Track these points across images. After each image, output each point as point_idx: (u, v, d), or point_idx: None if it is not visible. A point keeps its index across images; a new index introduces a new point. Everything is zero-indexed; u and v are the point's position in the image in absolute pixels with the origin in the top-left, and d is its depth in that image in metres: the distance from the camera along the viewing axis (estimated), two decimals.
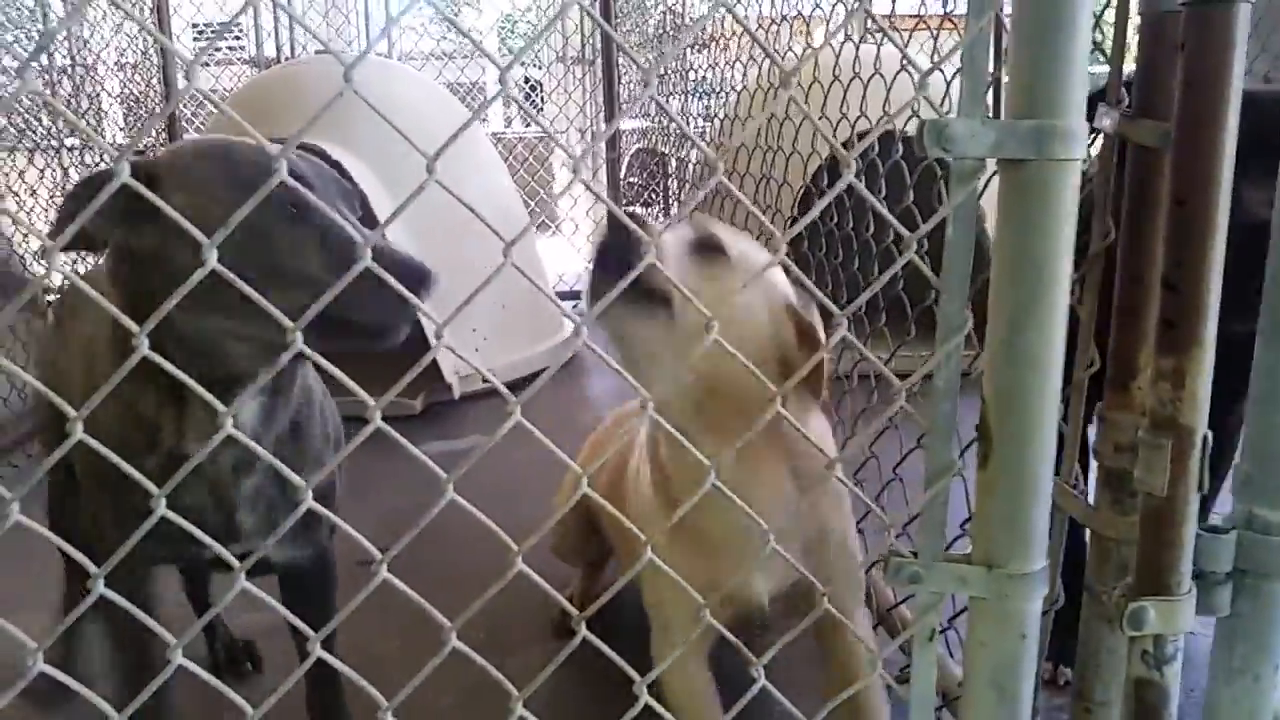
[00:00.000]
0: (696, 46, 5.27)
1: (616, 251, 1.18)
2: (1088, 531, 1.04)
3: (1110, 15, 1.00)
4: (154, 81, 6.01)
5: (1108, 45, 1.01)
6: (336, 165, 2.55)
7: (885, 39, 2.28)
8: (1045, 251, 0.79)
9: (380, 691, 0.79)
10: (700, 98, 5.08)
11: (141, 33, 5.72)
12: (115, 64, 6.04)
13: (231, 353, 1.11)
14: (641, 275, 0.87)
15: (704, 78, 4.97)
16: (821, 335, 1.24)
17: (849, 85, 2.28)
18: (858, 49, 2.31)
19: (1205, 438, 0.86)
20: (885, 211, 0.87)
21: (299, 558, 1.35)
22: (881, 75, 2.06)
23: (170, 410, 1.15)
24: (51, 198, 4.69)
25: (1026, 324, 0.80)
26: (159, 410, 1.15)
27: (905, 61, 1.03)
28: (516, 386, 3.33)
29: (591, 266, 1.22)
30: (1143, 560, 0.90)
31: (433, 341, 0.74)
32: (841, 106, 2.32)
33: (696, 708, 1.42)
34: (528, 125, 8.87)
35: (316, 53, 4.08)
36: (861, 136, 2.70)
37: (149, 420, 1.16)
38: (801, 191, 3.17)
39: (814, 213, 0.86)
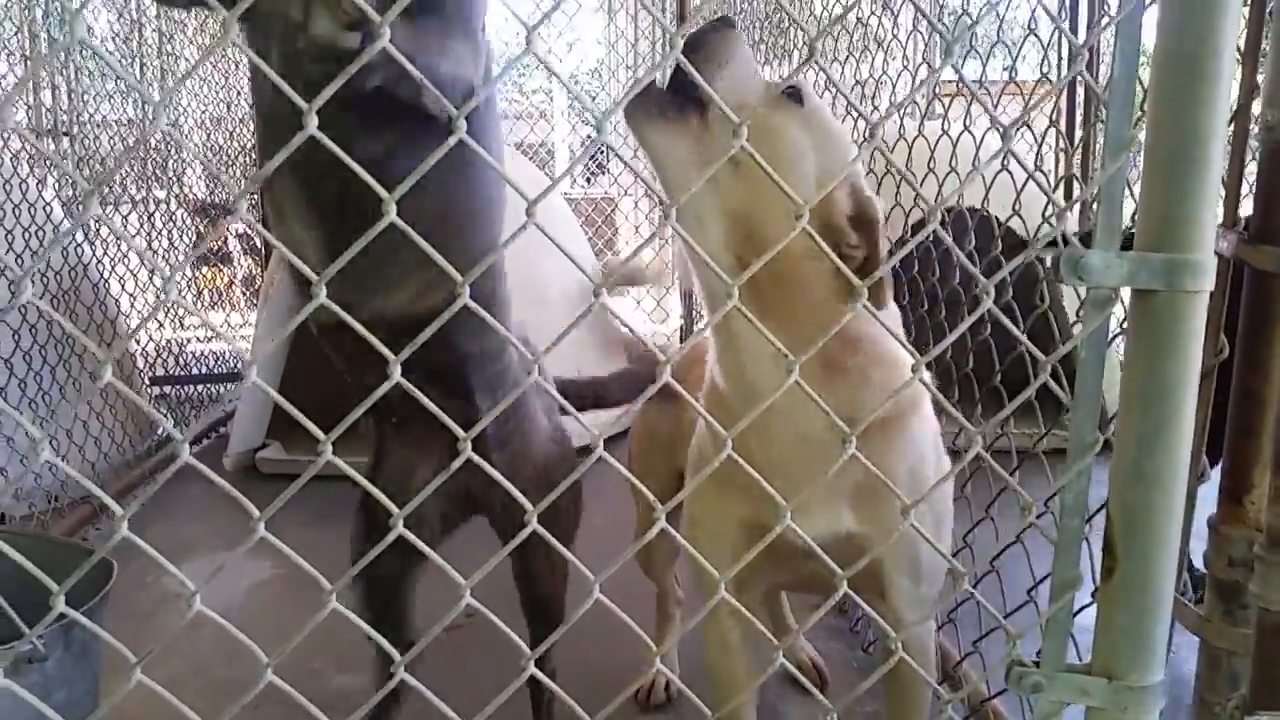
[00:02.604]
0: None
1: (702, 44, 1.14)
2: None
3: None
4: (236, 134, 6.22)
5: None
6: None
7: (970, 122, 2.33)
8: (1174, 377, 0.82)
9: None
10: None
11: (226, 87, 5.94)
12: (200, 119, 6.25)
13: None
14: (686, 80, 0.93)
15: None
16: (880, 221, 1.16)
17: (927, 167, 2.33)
18: (945, 131, 2.35)
19: None
20: (1003, 316, 0.91)
21: None
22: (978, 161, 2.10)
23: None
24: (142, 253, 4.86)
25: (1155, 446, 0.83)
26: None
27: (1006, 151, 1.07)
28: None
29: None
30: (1258, 673, 0.92)
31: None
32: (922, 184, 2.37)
33: (726, 664, 1.35)
34: (590, 183, 9.02)
35: None
36: (951, 213, 2.72)
37: None
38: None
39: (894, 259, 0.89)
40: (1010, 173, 1.69)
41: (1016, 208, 1.82)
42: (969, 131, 2.17)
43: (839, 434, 0.88)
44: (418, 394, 0.76)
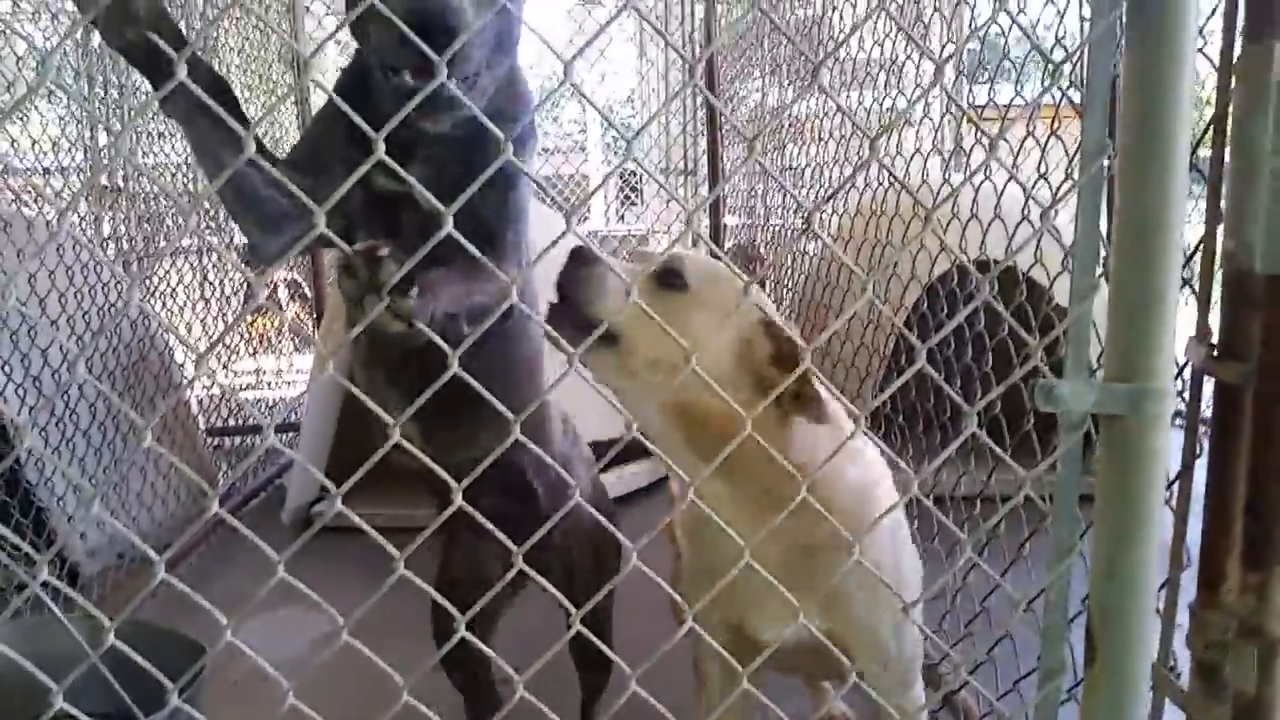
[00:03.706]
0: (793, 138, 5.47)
1: (573, 285, 1.28)
2: None
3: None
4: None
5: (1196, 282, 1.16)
6: None
7: (998, 173, 2.43)
8: (1141, 491, 0.93)
9: None
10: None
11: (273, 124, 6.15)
12: None
13: None
14: (591, 308, 1.08)
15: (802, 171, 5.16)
16: (801, 346, 1.26)
17: (957, 221, 2.43)
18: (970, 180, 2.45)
19: None
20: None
21: None
22: (999, 215, 2.20)
23: None
24: (193, 303, 5.05)
25: (1125, 551, 0.94)
26: None
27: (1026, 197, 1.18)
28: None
29: (552, 299, 1.30)
30: None
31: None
32: (960, 240, 2.46)
33: None
34: (623, 220, 9.17)
35: None
36: (962, 269, 2.84)
37: None
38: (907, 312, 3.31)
39: (957, 320, 1.00)
40: (1031, 223, 1.79)
41: (1038, 256, 1.92)
42: (991, 181, 2.27)
43: (797, 554, 1.01)
44: (478, 515, 0.89)
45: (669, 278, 1.31)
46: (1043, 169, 2.02)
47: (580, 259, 1.27)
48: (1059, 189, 1.53)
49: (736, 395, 1.08)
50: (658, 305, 1.21)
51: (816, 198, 4.70)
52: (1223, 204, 1.10)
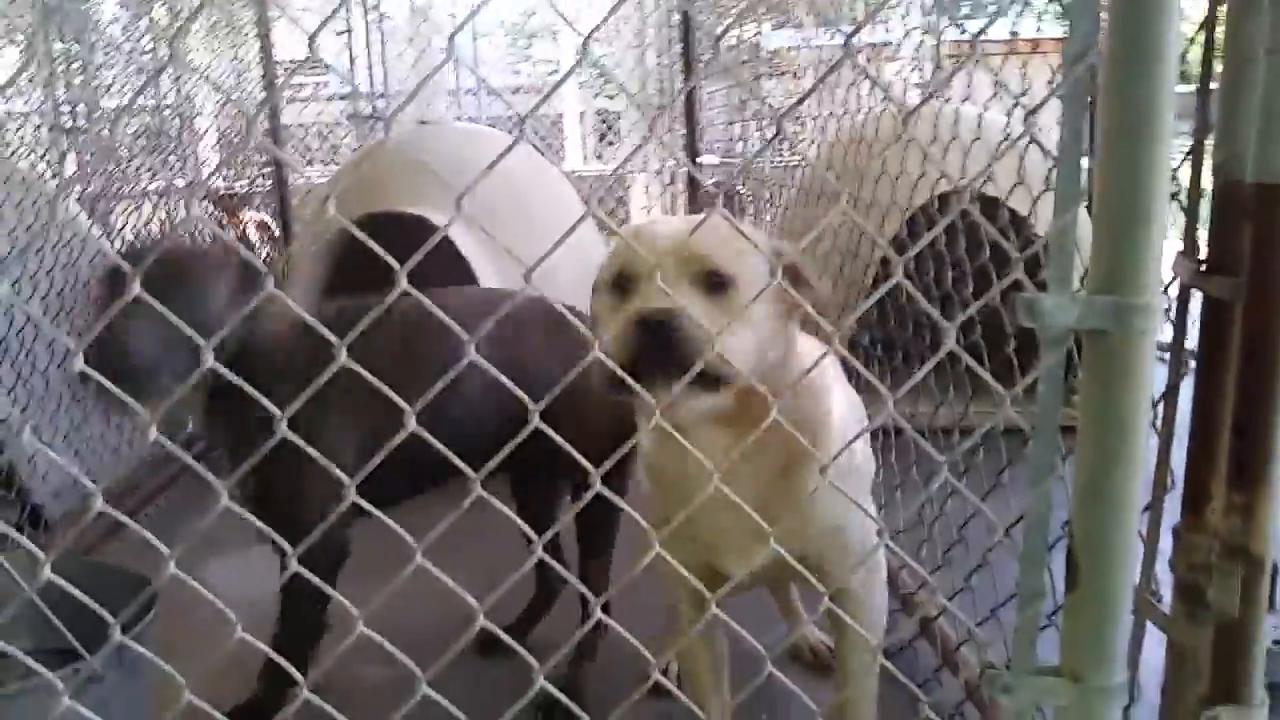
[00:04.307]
0: (770, 75, 5.38)
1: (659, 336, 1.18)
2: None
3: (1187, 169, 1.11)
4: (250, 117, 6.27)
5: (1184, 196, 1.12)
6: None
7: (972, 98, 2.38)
8: (1126, 409, 0.90)
9: None
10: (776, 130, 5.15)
11: (236, 69, 5.99)
12: (216, 105, 6.30)
13: None
14: (689, 361, 1.06)
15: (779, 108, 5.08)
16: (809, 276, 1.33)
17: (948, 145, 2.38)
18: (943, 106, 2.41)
19: (1275, 564, 0.96)
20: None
21: None
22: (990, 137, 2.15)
23: None
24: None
25: (1110, 471, 0.91)
26: None
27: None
28: None
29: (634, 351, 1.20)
30: (1216, 671, 1.00)
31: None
32: (940, 165, 2.41)
33: (696, 671, 1.53)
34: (601, 158, 9.06)
35: (420, 123, 4.28)
36: (943, 197, 2.80)
37: None
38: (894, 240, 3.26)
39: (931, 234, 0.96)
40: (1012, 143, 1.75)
41: (1021, 175, 1.89)
42: (972, 103, 2.22)
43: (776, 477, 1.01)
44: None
45: (712, 279, 1.27)
46: (1025, 96, 1.97)
47: (650, 325, 1.18)
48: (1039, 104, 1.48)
49: (777, 337, 1.24)
50: (715, 312, 1.22)
51: (786, 129, 4.62)
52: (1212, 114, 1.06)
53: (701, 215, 1.30)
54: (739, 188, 5.94)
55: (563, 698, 1.14)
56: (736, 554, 1.36)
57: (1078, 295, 0.88)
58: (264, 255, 6.43)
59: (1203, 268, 1.04)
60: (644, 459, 1.46)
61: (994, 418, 1.01)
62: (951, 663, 1.69)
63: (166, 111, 5.69)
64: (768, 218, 5.03)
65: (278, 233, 5.66)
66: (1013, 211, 2.00)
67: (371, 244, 0.91)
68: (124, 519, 0.83)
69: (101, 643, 0.90)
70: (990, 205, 1.99)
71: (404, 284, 0.85)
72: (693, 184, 5.62)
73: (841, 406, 1.44)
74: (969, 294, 1.82)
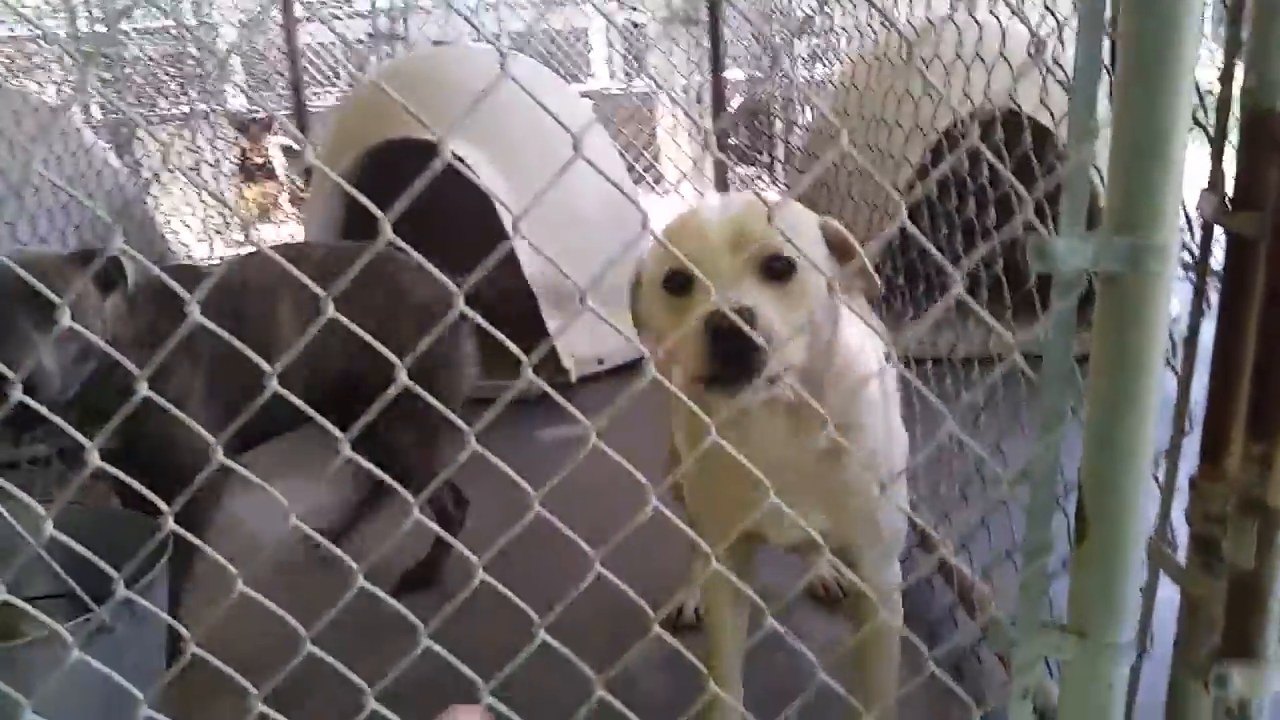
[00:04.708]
0: None
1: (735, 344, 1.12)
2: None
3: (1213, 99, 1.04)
4: (274, 38, 6.18)
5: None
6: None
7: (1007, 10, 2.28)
8: (1140, 354, 0.85)
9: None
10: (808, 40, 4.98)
11: None
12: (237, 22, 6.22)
13: None
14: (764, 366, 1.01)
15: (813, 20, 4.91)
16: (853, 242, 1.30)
17: (970, 63, 2.28)
18: (978, 26, 2.30)
19: None
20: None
21: None
22: (1004, 57, 2.06)
23: None
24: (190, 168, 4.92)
25: (1122, 418, 0.87)
26: None
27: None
28: (632, 367, 3.44)
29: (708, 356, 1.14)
30: (1230, 625, 0.96)
31: (549, 324, 0.86)
32: (964, 84, 2.32)
33: (718, 624, 1.54)
34: (630, 75, 8.87)
35: (434, 43, 4.18)
36: (973, 116, 2.70)
37: None
38: (919, 168, 3.17)
39: (938, 173, 0.91)
40: (1036, 62, 1.65)
41: (1043, 97, 1.81)
42: (995, 18, 2.12)
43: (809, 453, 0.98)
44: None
45: (773, 265, 1.21)
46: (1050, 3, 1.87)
47: (724, 329, 1.11)
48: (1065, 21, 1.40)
49: (831, 315, 1.24)
50: (780, 302, 1.18)
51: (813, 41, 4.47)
52: (1243, 34, 0.99)
53: (745, 195, 1.27)
54: (771, 104, 5.80)
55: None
56: (774, 524, 1.36)
57: (1090, 236, 0.83)
58: (289, 181, 6.40)
59: (1228, 203, 0.98)
60: (684, 434, 1.47)
61: (1005, 363, 0.97)
62: (968, 601, 1.66)
63: (186, 34, 5.62)
64: (795, 136, 4.92)
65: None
66: (1038, 126, 1.92)
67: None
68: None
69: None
70: (1017, 122, 1.91)
71: (387, 232, 0.81)
72: (718, 100, 5.47)
73: (877, 389, 1.41)
74: (990, 223, 1.76)
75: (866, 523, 1.39)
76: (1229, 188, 1.00)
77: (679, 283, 1.23)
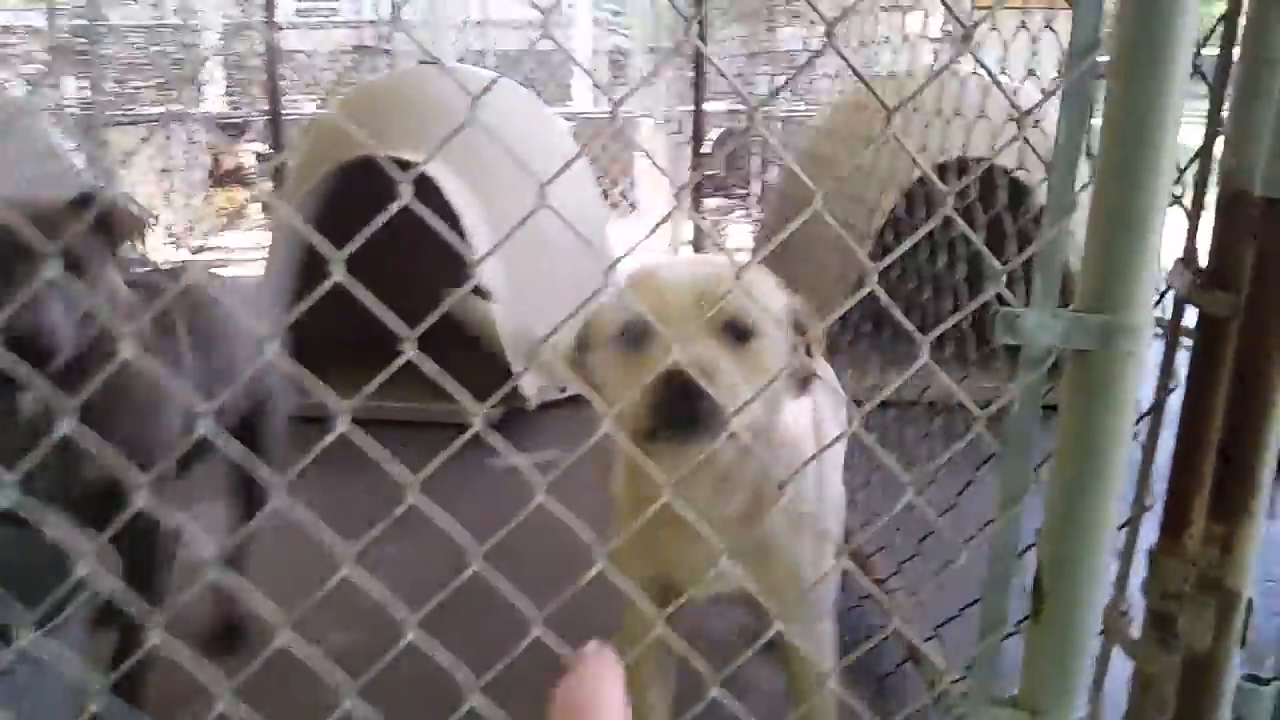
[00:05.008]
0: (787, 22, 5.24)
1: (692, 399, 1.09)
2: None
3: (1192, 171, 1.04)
4: (255, 45, 6.14)
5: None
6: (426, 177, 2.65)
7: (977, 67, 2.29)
8: (1106, 435, 0.84)
9: None
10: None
11: None
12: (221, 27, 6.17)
13: None
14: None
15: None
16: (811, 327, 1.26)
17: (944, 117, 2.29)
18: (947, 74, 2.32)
19: (1249, 601, 0.91)
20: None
21: None
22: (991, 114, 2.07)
23: None
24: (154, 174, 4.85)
25: (1085, 496, 0.86)
26: None
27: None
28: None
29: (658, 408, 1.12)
30: (1182, 704, 0.96)
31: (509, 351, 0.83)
32: (936, 133, 2.33)
33: (640, 683, 1.49)
34: (611, 104, 8.87)
35: (420, 61, 4.16)
36: (943, 167, 2.71)
37: None
38: (889, 216, 3.18)
39: (906, 245, 0.88)
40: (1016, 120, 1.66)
41: (1021, 159, 1.82)
42: (979, 74, 2.13)
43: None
44: None
45: (734, 328, 1.18)
46: (1034, 64, 1.88)
47: (683, 386, 1.09)
48: (1052, 85, 1.41)
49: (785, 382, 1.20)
50: (740, 364, 1.16)
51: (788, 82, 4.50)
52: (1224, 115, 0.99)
53: (707, 256, 1.25)
54: (746, 137, 5.81)
55: None
56: (691, 573, 1.32)
57: (1062, 313, 0.83)
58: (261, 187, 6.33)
59: (1200, 280, 0.99)
60: (620, 483, 1.42)
61: (970, 432, 0.96)
62: (916, 655, 1.65)
63: (167, 31, 5.57)
64: (773, 173, 4.93)
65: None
66: (1017, 183, 1.93)
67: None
68: None
69: None
70: (993, 177, 1.92)
71: (340, 273, 0.79)
72: (698, 132, 5.48)
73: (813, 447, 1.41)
74: (960, 278, 1.76)
75: (790, 582, 1.36)
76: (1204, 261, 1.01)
77: (634, 336, 1.19)
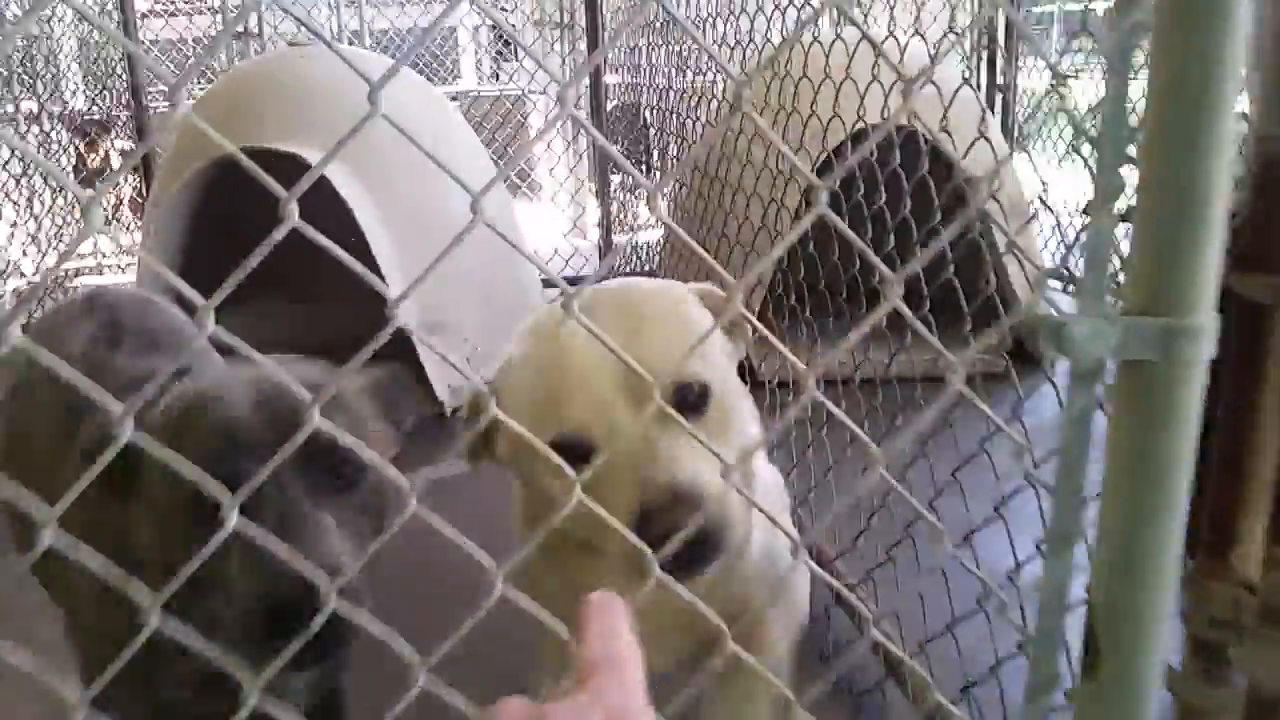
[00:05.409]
0: None
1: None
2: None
3: None
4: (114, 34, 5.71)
5: None
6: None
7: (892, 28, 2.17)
8: (1169, 457, 0.70)
9: None
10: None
11: None
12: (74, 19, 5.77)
13: None
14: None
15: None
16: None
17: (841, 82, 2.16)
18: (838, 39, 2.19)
19: None
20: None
21: None
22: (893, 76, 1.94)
23: None
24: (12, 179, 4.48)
25: (1145, 537, 0.72)
26: None
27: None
28: None
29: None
30: None
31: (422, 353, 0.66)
32: (835, 104, 2.21)
33: None
34: (499, 78, 8.60)
35: (289, 43, 3.88)
36: (859, 136, 2.58)
37: None
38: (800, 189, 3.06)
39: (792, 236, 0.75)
40: (936, 85, 1.54)
41: (943, 125, 1.70)
42: (894, 38, 2.01)
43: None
44: None
45: (686, 397, 0.99)
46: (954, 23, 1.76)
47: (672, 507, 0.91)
48: (961, 38, 1.28)
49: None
50: (703, 436, 0.87)
51: (698, 60, 4.35)
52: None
53: (612, 289, 1.08)
54: (645, 112, 5.63)
55: None
56: (654, 645, 1.15)
57: (1115, 316, 0.68)
58: (130, 187, 5.93)
59: (1233, 262, 0.86)
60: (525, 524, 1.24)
61: (948, 393, 0.81)
62: (898, 673, 1.52)
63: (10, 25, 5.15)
64: (673, 149, 4.78)
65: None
66: (935, 149, 1.82)
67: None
68: None
69: None
70: (912, 142, 1.80)
71: (209, 325, 0.60)
72: (596, 108, 5.28)
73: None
74: (891, 249, 1.63)
75: (759, 624, 1.24)
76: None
77: (574, 452, 0.94)
